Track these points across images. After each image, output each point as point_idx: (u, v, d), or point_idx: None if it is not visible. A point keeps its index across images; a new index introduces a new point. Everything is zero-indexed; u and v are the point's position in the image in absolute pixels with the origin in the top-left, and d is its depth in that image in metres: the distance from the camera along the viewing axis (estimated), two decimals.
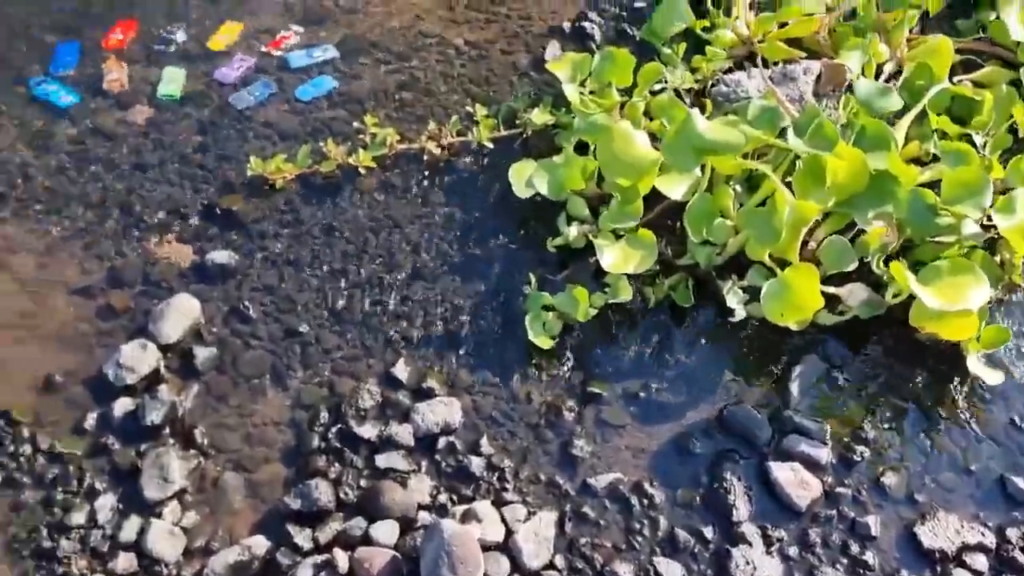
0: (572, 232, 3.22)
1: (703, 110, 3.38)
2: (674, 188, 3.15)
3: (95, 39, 4.11)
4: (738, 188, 3.15)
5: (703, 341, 3.09)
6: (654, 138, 3.29)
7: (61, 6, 4.22)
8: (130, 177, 3.54)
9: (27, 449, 2.75)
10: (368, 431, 2.79)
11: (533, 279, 3.11)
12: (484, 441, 2.81)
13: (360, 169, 3.51)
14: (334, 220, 3.40)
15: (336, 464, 2.75)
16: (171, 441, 2.78)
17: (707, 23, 3.85)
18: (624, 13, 4.32)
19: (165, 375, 2.94)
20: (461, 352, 3.06)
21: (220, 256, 3.20)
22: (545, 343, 2.97)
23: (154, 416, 2.77)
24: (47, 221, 3.37)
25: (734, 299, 3.00)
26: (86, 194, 3.46)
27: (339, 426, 2.83)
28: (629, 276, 3.07)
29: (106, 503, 2.65)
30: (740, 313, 3.00)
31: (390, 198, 3.49)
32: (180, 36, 4.12)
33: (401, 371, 2.95)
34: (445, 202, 3.48)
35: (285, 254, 3.29)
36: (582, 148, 3.44)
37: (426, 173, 3.59)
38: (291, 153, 3.56)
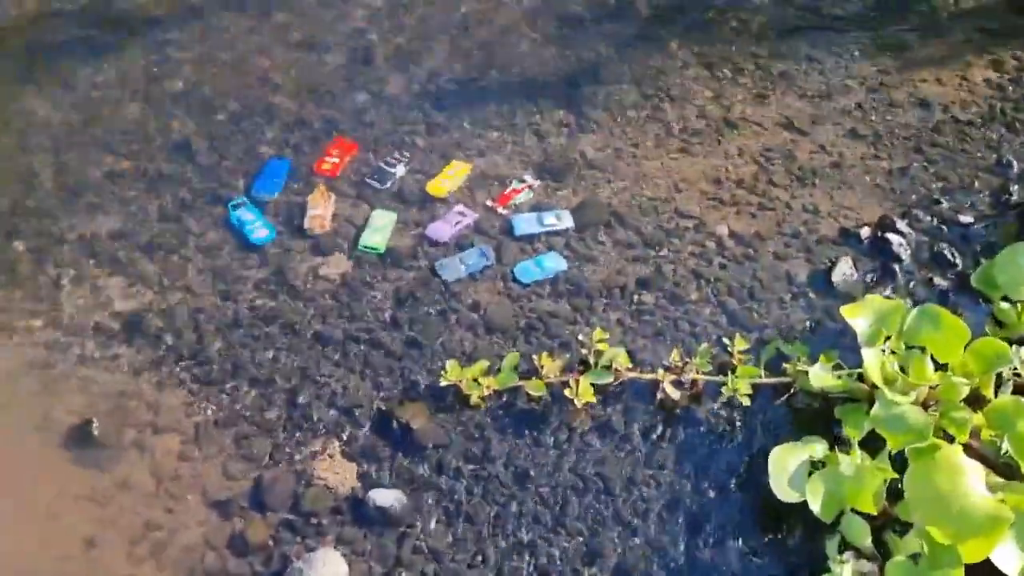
0: (846, 572, 2.18)
1: None
2: (1010, 562, 2.04)
3: (309, 158, 3.47)
4: None
5: None
6: (984, 459, 2.29)
7: (286, 117, 3.64)
8: (307, 352, 2.84)
9: None
10: None
11: None
12: None
13: (575, 400, 2.61)
14: (532, 465, 2.55)
15: None
16: None
17: None
18: (943, 227, 3.21)
19: None
20: None
21: (384, 497, 2.46)
22: None
23: None
24: (203, 394, 2.72)
25: None
26: (255, 366, 2.80)
27: None
28: None
29: None
30: None
31: (606, 447, 2.60)
32: (399, 170, 3.43)
33: None
34: (675, 468, 2.55)
35: (464, 505, 2.49)
36: (873, 434, 2.45)
37: (657, 419, 2.67)
38: (495, 356, 2.76)
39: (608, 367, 2.85)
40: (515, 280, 3.19)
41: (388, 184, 3.50)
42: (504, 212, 3.39)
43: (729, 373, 2.82)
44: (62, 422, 2.80)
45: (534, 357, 2.89)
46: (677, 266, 3.22)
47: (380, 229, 3.34)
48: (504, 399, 2.85)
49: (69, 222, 3.38)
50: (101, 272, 3.21)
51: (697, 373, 2.85)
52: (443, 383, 2.82)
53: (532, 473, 2.69)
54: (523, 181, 3.51)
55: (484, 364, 2.85)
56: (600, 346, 2.90)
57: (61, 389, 2.89)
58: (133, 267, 3.24)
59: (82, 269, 3.23)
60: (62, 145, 3.65)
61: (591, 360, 2.89)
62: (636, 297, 3.12)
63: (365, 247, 3.28)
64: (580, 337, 2.94)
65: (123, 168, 3.58)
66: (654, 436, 2.76)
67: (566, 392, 2.79)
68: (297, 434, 2.78)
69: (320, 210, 3.41)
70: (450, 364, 2.83)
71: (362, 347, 3.00)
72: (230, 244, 3.31)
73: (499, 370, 2.86)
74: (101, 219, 3.40)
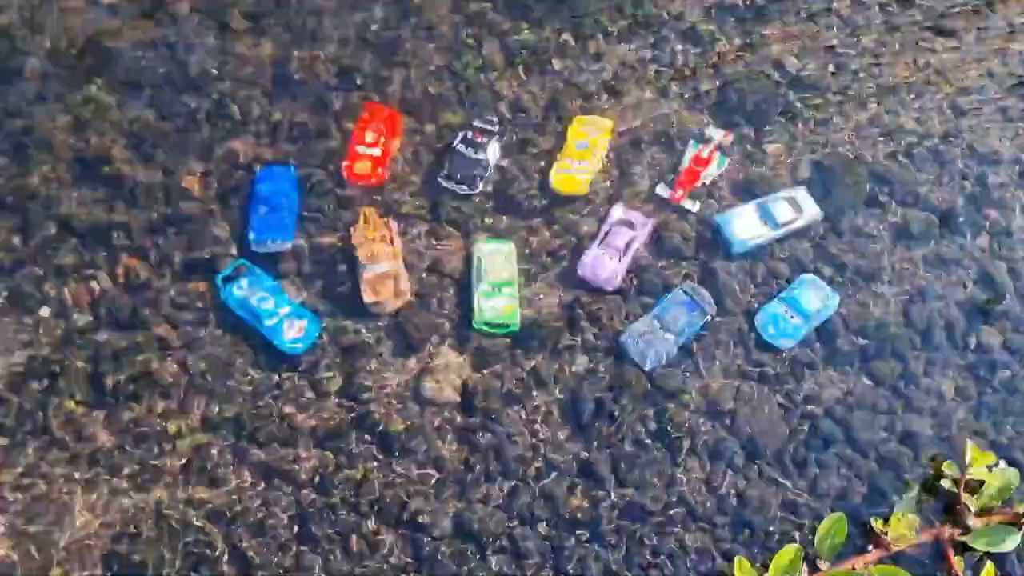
0: None
1: None
2: None
3: (323, 148, 1.86)
4: None
5: None
6: None
7: (261, 77, 1.98)
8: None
9: None
10: None
11: None
12: None
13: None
14: None
15: None
16: None
17: None
18: None
19: None
20: None
21: None
22: None
23: None
24: None
25: None
26: None
27: None
28: None
29: None
30: None
31: None
32: (491, 151, 1.94)
33: None
34: None
35: None
36: None
37: None
38: (788, 514, 1.27)
39: (989, 508, 1.49)
40: (761, 341, 1.72)
41: (479, 182, 1.90)
42: (693, 208, 1.85)
43: None
44: None
45: (872, 520, 1.43)
46: (1011, 263, 1.76)
47: (501, 286, 1.77)
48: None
49: None
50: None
51: None
52: None
53: None
54: (706, 139, 1.92)
55: (792, 552, 1.46)
56: (976, 471, 1.50)
57: None
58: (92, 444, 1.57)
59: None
60: None
61: (961, 495, 1.49)
62: (973, 340, 1.70)
63: (487, 325, 1.76)
64: (944, 470, 1.51)
65: None
66: None
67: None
68: None
69: (384, 264, 1.81)
70: (738, 565, 1.39)
71: (549, 531, 1.44)
72: (246, 358, 1.72)
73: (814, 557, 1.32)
74: None
